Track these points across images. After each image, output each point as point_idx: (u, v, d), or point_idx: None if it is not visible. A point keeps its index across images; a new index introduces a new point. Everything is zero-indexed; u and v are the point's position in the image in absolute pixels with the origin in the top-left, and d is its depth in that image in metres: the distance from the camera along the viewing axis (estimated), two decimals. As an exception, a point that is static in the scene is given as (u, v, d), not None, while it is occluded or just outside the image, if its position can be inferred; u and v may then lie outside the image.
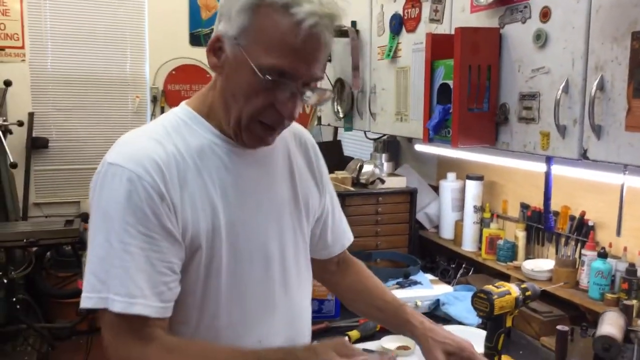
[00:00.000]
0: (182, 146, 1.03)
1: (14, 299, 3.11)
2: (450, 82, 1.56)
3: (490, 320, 1.41)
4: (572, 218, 1.86)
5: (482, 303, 1.39)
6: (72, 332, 3.61)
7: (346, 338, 0.94)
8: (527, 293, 1.46)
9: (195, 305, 1.04)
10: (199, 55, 4.35)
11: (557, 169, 1.56)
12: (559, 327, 1.13)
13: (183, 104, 1.11)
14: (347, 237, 1.39)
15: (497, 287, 1.42)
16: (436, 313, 1.89)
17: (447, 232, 2.33)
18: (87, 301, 0.95)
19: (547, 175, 1.55)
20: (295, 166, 1.19)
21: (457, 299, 1.89)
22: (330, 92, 1.03)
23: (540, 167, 1.61)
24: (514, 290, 1.43)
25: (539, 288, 1.49)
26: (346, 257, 1.41)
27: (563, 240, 1.88)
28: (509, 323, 1.43)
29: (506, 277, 1.98)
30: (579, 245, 1.82)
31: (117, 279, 0.93)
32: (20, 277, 3.27)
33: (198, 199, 1.02)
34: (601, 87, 1.23)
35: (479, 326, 1.76)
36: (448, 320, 1.82)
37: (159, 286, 0.96)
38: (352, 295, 1.40)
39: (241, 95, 0.99)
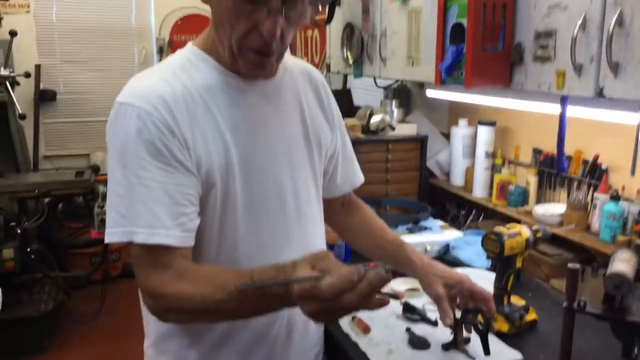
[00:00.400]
0: (190, 84, 1.03)
1: (29, 249, 3.17)
2: (464, 22, 1.52)
3: (500, 261, 1.42)
4: (585, 162, 1.85)
5: (493, 244, 1.40)
6: (87, 282, 3.69)
7: (327, 250, 0.88)
8: (538, 235, 1.46)
9: (213, 239, 1.06)
10: (205, 5, 4.26)
11: (571, 111, 1.53)
12: (570, 265, 1.13)
13: (189, 44, 1.12)
14: (357, 177, 1.39)
15: (508, 229, 1.42)
16: (445, 257, 1.90)
17: (457, 179, 2.33)
18: (111, 236, 0.98)
19: (562, 116, 1.53)
20: (305, 103, 1.19)
21: (467, 243, 1.89)
22: (314, 7, 1.02)
23: (555, 109, 1.59)
24: (525, 231, 1.44)
25: (549, 230, 1.50)
26: (352, 198, 1.43)
27: (575, 184, 1.87)
28: (518, 264, 1.44)
29: (516, 222, 1.98)
30: (592, 189, 1.81)
31: (137, 212, 0.96)
32: (34, 228, 3.32)
33: (209, 134, 1.03)
34: (620, 22, 1.19)
35: (488, 269, 1.77)
36: (457, 264, 1.83)
37: (180, 217, 0.98)
38: (356, 235, 1.43)
39: (226, 23, 0.99)
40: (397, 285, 1.64)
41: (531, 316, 1.46)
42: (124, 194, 0.97)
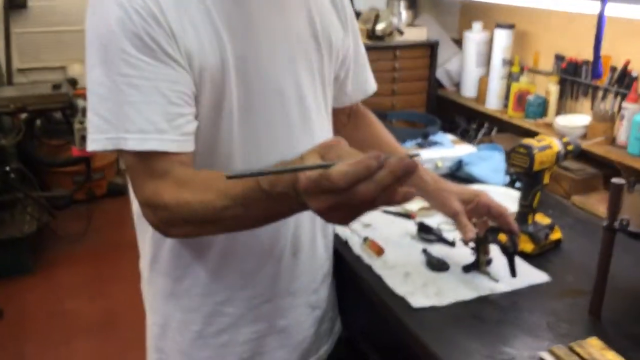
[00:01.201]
0: None
1: (7, 168, 3.01)
2: None
3: (528, 177, 1.28)
4: (613, 69, 1.68)
5: (521, 158, 1.25)
6: (71, 201, 3.56)
7: (339, 137, 0.71)
8: (569, 147, 1.32)
9: (205, 151, 0.93)
10: None
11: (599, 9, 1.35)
12: (614, 180, 1.00)
13: None
14: (370, 84, 1.24)
15: (537, 141, 1.27)
16: (458, 174, 1.77)
17: (469, 90, 2.16)
18: (95, 143, 0.85)
19: (600, 14, 1.35)
20: None
21: (481, 159, 1.75)
22: None
23: (584, 6, 1.40)
24: (556, 144, 1.29)
25: (580, 142, 1.35)
26: (359, 108, 1.29)
27: (601, 93, 1.72)
28: (546, 180, 1.31)
29: (535, 135, 1.84)
30: (619, 98, 1.65)
31: (126, 116, 0.83)
32: (12, 146, 3.14)
33: (201, 28, 0.87)
34: None
35: (505, 185, 1.65)
36: (471, 181, 1.71)
37: (176, 119, 0.85)
38: (363, 149, 1.26)
39: None
40: (408, 204, 1.51)
41: (556, 235, 1.35)
42: (107, 96, 0.83)
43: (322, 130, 1.09)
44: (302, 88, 1.01)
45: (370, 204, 0.63)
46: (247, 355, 1.08)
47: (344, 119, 1.27)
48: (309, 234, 1.09)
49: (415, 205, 1.51)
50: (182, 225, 0.85)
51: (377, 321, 1.21)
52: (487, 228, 1.17)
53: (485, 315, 1.07)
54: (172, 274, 1.03)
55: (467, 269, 1.20)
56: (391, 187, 0.62)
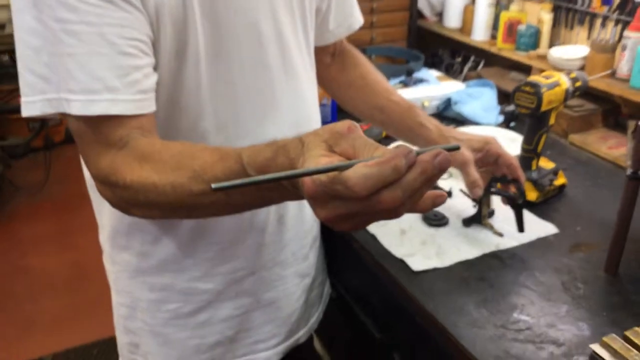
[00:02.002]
0: None
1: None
2: None
3: (534, 118, 1.16)
4: (615, -6, 1.54)
5: (528, 98, 1.13)
6: (27, 149, 3.34)
7: (352, 122, 0.53)
8: (577, 84, 1.19)
9: (168, 106, 0.78)
10: None
11: None
12: (641, 122, 0.88)
13: None
14: (355, 18, 1.08)
15: (545, 78, 1.14)
16: (446, 114, 1.64)
17: (453, 20, 1.99)
18: (29, 107, 0.69)
19: None
20: None
21: (471, 97, 1.62)
22: None
23: None
24: (564, 80, 1.17)
25: (587, 77, 1.23)
26: (344, 46, 1.13)
27: (599, 21, 1.58)
28: (552, 120, 1.19)
29: (526, 68, 1.71)
30: (620, 26, 1.52)
31: (67, 72, 0.66)
32: (-45, 92, 2.88)
33: None
34: None
35: (498, 125, 1.53)
36: (461, 121, 1.58)
37: (131, 73, 0.68)
38: (351, 93, 1.13)
39: None
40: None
41: (560, 180, 1.24)
42: (41, 47, 0.67)
43: (307, 75, 0.94)
44: (280, 24, 0.85)
45: (393, 213, 0.50)
46: (230, 333, 0.97)
47: (328, 60, 1.12)
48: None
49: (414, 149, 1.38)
50: (148, 208, 0.70)
51: (372, 284, 1.10)
52: (493, 177, 1.06)
53: (492, 276, 0.97)
54: (137, 250, 0.89)
55: (468, 222, 1.10)
56: (421, 190, 0.48)
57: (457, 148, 0.51)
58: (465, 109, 1.59)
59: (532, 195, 1.18)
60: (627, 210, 0.94)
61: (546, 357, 0.80)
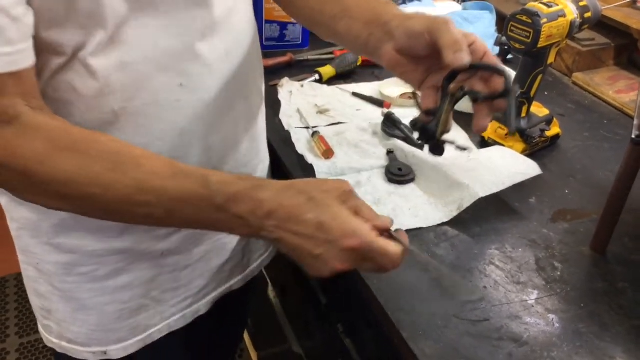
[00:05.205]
0: None
1: None
2: None
3: (529, 56, 0.96)
4: None
5: (523, 31, 0.92)
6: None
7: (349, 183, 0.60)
8: (587, 15, 0.99)
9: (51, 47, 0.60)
10: None
11: None
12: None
13: None
14: None
15: (548, 6, 0.93)
16: (436, 40, 1.42)
17: None
18: None
19: None
20: None
21: (467, 21, 1.40)
22: None
23: None
24: (571, 10, 0.96)
25: (600, 7, 1.01)
26: None
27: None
28: (551, 59, 0.99)
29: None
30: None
31: None
32: None
33: None
34: None
35: (496, 56, 1.33)
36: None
37: None
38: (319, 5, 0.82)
39: None
40: (387, 87, 1.19)
41: (554, 130, 1.06)
42: None
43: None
44: None
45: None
46: (156, 294, 0.83)
47: None
48: (232, 139, 0.80)
49: (394, 89, 1.18)
50: (56, 200, 0.60)
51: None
52: (451, 70, 0.66)
53: (453, 248, 0.81)
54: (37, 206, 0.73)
55: (422, 137, 0.70)
56: None
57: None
58: (459, 36, 1.37)
59: (517, 146, 1.01)
60: (627, 179, 0.77)
61: (502, 359, 0.65)
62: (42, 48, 0.58)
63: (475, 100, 0.67)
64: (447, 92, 0.67)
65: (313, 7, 0.81)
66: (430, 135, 0.68)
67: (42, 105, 0.59)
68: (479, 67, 0.67)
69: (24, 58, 0.56)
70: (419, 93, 0.73)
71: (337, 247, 0.56)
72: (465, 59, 0.64)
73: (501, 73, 0.66)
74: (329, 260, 0.57)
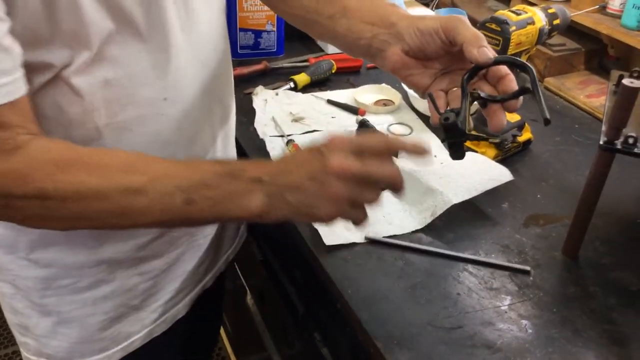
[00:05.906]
0: None
1: None
2: None
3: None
4: None
5: (493, 38, 0.94)
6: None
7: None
8: (555, 22, 1.00)
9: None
10: None
11: None
12: (626, 81, 0.70)
13: None
14: None
15: (516, 14, 0.95)
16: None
17: None
18: None
19: None
20: None
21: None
22: None
23: None
24: (539, 17, 0.97)
25: (569, 14, 1.03)
26: None
27: (594, -56, 1.35)
28: (521, 65, 1.00)
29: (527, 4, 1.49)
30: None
31: None
32: None
33: None
34: None
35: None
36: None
37: None
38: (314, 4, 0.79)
39: None
40: (362, 94, 1.19)
41: (526, 135, 1.08)
42: None
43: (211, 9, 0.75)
44: None
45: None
46: (136, 302, 0.82)
47: None
48: (210, 141, 0.80)
49: (371, 96, 1.19)
50: (77, 219, 0.59)
51: (295, 254, 0.95)
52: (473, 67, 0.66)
53: (427, 258, 0.82)
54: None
55: (450, 137, 0.65)
56: None
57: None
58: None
59: (489, 153, 1.02)
60: (596, 184, 0.77)
61: (476, 366, 0.66)
62: (28, 68, 0.57)
63: (493, 101, 0.65)
64: (467, 91, 0.65)
65: (307, 5, 0.78)
66: (460, 132, 0.64)
67: (40, 130, 0.58)
68: (502, 62, 0.66)
69: (20, 87, 0.55)
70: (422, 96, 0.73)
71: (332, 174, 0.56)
72: (489, 53, 0.63)
73: (526, 67, 0.65)
74: (328, 190, 0.56)
